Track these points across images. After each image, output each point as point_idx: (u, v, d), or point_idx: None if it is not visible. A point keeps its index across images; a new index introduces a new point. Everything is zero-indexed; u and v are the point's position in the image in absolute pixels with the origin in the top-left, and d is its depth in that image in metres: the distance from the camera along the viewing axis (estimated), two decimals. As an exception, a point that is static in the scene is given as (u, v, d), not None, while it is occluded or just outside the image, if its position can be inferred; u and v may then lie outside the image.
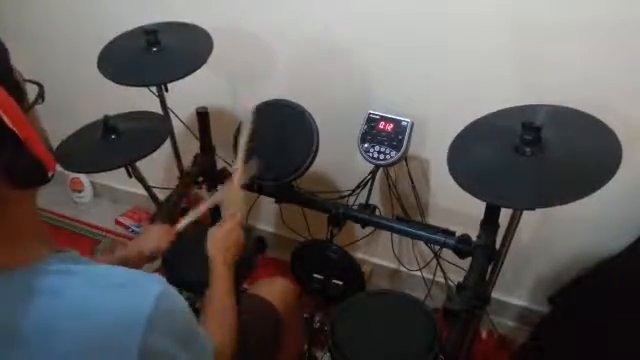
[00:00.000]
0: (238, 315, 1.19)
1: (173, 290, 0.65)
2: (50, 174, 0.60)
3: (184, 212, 1.53)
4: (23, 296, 0.58)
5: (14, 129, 0.54)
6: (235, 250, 1.07)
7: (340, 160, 1.68)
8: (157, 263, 1.27)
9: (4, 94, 0.54)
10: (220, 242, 1.06)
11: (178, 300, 0.65)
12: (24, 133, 0.55)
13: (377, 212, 1.49)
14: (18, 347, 0.57)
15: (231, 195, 1.16)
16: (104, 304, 0.59)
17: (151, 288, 0.61)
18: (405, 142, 1.37)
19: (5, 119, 0.53)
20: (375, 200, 1.63)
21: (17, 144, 0.55)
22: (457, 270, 1.50)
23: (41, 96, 0.63)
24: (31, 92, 0.62)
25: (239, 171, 1.19)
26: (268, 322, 1.21)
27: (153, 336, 0.59)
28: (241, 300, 1.24)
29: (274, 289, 1.27)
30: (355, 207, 1.49)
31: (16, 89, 0.57)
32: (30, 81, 0.63)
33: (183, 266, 1.26)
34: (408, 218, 1.58)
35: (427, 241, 1.43)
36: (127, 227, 2.26)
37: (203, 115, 1.55)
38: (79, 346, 0.57)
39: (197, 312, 1.44)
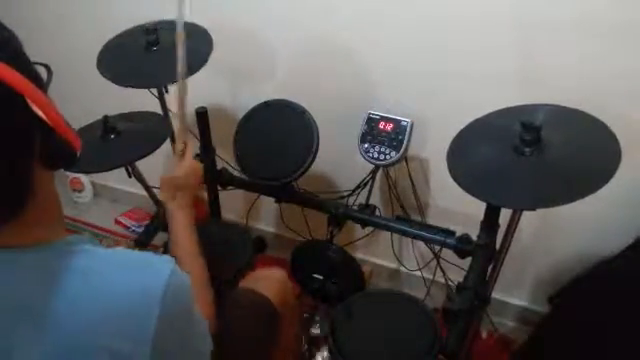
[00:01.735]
0: (233, 308, 1.18)
1: (180, 270, 0.68)
2: (78, 152, 0.65)
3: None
4: (49, 274, 0.61)
5: (43, 116, 0.57)
6: (191, 188, 1.08)
7: (340, 160, 1.68)
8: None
9: (29, 84, 0.56)
10: (169, 184, 1.06)
11: (185, 278, 0.69)
12: (51, 118, 0.59)
13: (377, 212, 1.49)
14: (42, 324, 0.59)
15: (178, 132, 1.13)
16: (123, 283, 0.62)
17: (163, 267, 0.65)
18: (405, 142, 1.37)
19: (34, 107, 0.56)
20: (375, 200, 1.63)
21: (47, 130, 0.59)
22: (457, 270, 1.50)
23: (49, 77, 0.66)
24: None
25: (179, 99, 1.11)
26: (264, 316, 1.19)
27: (166, 310, 0.62)
28: (233, 294, 1.22)
29: (270, 282, 1.24)
30: (355, 207, 1.49)
31: (36, 77, 0.60)
32: (38, 63, 0.65)
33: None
34: (408, 218, 1.58)
35: (427, 241, 1.43)
36: (127, 227, 2.26)
37: (203, 115, 1.55)
38: (99, 322, 0.60)
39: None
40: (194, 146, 1.17)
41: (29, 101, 0.56)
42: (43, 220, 0.64)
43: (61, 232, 0.67)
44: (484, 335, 1.76)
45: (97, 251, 0.66)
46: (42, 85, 0.61)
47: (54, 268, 0.61)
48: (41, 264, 0.61)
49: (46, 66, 0.65)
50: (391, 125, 1.39)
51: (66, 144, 0.63)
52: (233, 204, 1.95)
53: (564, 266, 1.58)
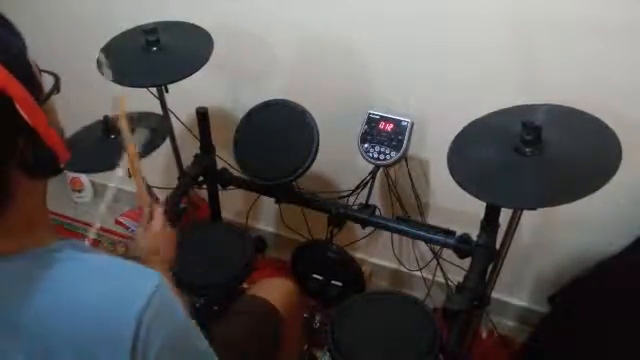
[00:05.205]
0: (237, 315, 1.19)
1: (169, 291, 0.64)
2: (62, 165, 0.63)
3: (184, 212, 1.53)
4: (25, 282, 0.59)
5: (29, 121, 0.56)
6: (162, 262, 0.98)
7: (340, 160, 1.68)
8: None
9: (21, 88, 0.55)
10: (145, 250, 0.98)
11: (172, 295, 0.64)
12: (39, 125, 0.58)
13: (377, 212, 1.49)
14: (13, 332, 0.58)
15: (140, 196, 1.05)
16: (98, 293, 0.60)
17: (147, 282, 0.61)
18: (405, 142, 1.37)
19: (22, 112, 0.55)
20: (375, 200, 1.63)
21: (32, 136, 0.58)
22: (457, 270, 1.50)
23: (57, 87, 0.64)
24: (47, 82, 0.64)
25: (132, 154, 1.05)
26: (269, 323, 1.21)
27: (144, 328, 0.59)
28: (241, 300, 1.25)
29: (275, 290, 1.28)
30: (355, 207, 1.49)
31: (32, 82, 0.59)
32: (46, 71, 0.64)
33: (181, 267, 1.26)
34: (408, 218, 1.58)
35: (427, 241, 1.43)
36: (127, 227, 2.26)
37: (203, 115, 1.55)
38: (73, 334, 0.58)
39: (198, 311, 1.44)
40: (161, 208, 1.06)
41: (17, 106, 0.55)
42: (26, 228, 0.62)
43: (46, 239, 0.64)
44: (484, 335, 1.76)
45: (80, 257, 0.63)
46: (39, 92, 0.60)
47: (32, 276, 0.59)
48: (20, 272, 0.60)
49: (53, 74, 0.64)
50: (391, 125, 1.39)
51: (52, 154, 0.60)
52: (233, 204, 1.95)
53: (564, 266, 1.58)
